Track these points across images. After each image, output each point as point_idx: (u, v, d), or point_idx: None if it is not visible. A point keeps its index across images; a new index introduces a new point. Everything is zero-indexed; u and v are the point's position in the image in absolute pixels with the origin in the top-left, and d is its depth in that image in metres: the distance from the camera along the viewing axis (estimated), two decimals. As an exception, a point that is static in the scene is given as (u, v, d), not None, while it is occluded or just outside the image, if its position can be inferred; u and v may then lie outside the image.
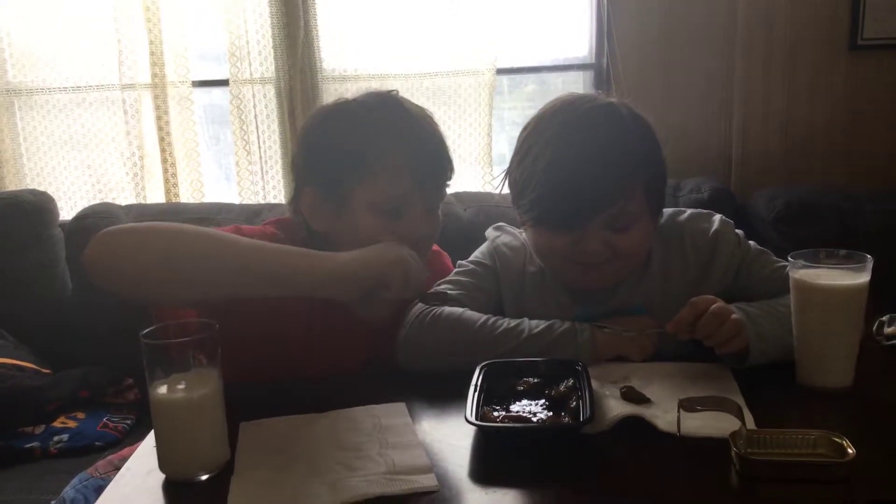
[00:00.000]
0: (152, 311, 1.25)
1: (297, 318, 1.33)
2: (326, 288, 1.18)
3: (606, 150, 1.26)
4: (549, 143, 1.28)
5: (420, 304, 1.34)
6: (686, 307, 1.19)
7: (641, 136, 1.32)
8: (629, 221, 1.29)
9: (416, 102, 1.40)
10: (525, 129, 1.36)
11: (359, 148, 1.30)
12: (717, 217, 1.41)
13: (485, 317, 1.30)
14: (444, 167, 1.37)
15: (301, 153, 1.39)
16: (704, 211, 1.44)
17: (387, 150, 1.30)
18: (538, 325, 1.28)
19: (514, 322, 1.28)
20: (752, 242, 1.41)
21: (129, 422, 2.17)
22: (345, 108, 1.37)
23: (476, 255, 1.49)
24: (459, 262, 1.49)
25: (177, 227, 1.20)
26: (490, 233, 1.52)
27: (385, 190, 1.30)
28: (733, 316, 1.18)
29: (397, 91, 1.40)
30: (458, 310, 1.32)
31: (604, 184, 1.24)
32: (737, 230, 1.40)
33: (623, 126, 1.30)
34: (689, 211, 1.44)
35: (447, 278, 1.43)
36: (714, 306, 1.17)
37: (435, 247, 1.53)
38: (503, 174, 1.41)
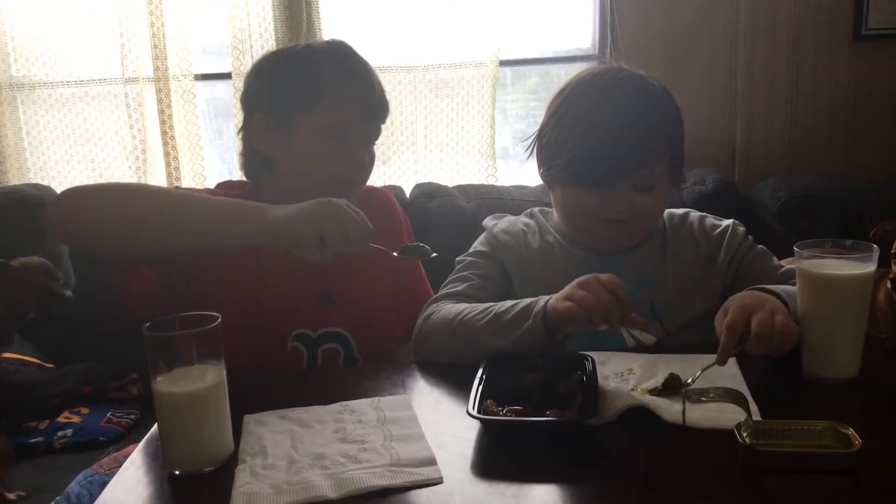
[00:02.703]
0: (114, 274, 1.34)
1: (247, 258, 1.39)
2: (263, 239, 1.24)
3: (641, 115, 1.35)
4: (586, 107, 1.38)
5: (428, 307, 1.39)
6: (725, 333, 1.12)
7: (670, 105, 1.42)
8: (653, 183, 1.38)
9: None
10: (559, 95, 1.45)
11: (308, 77, 1.42)
12: (729, 220, 1.51)
13: (469, 306, 1.33)
14: (383, 105, 1.48)
15: (252, 83, 1.50)
16: (705, 214, 1.53)
17: (334, 79, 1.42)
18: (507, 303, 1.29)
19: (486, 304, 1.31)
20: (760, 245, 1.48)
21: (132, 417, 2.17)
22: (295, 47, 1.52)
23: (475, 245, 1.53)
24: (458, 258, 1.52)
25: (129, 185, 1.46)
26: (487, 222, 1.57)
27: (331, 116, 1.41)
28: (777, 319, 1.11)
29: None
30: (451, 304, 1.37)
31: (638, 146, 1.34)
32: (748, 235, 1.49)
33: (655, 94, 1.40)
34: (694, 212, 1.54)
35: (452, 276, 1.47)
36: (754, 322, 1.11)
37: (379, 186, 1.69)
38: (533, 137, 1.48)
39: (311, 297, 1.45)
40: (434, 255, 1.32)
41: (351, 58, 1.47)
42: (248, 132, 1.47)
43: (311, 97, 1.41)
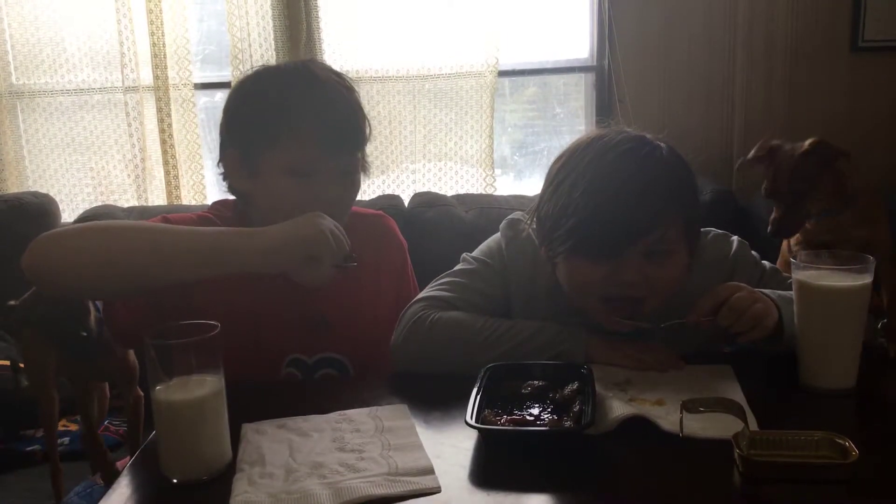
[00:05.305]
0: (103, 307, 1.34)
1: (242, 289, 1.35)
2: (257, 264, 1.23)
3: (646, 174, 1.22)
4: (585, 170, 1.24)
5: (416, 306, 1.34)
6: (706, 295, 1.21)
7: (680, 165, 1.29)
8: (667, 251, 1.24)
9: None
10: (556, 161, 1.32)
11: (267, 115, 1.35)
12: (735, 239, 1.42)
13: (481, 321, 1.30)
14: (353, 132, 1.38)
15: (224, 116, 1.43)
16: (721, 232, 1.44)
17: (292, 116, 1.33)
18: (532, 326, 1.28)
19: (508, 325, 1.29)
20: (765, 262, 1.43)
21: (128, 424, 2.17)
22: (261, 76, 1.43)
23: (484, 250, 1.44)
24: (464, 255, 1.45)
25: (109, 224, 1.35)
26: (505, 231, 1.43)
27: (292, 154, 1.33)
28: (756, 306, 1.18)
29: (315, 58, 1.42)
30: (455, 314, 1.32)
31: (645, 208, 1.20)
32: (752, 251, 1.42)
33: (661, 154, 1.26)
34: (711, 232, 1.43)
35: (444, 279, 1.41)
36: (734, 297, 1.18)
37: (379, 212, 1.61)
38: (532, 210, 1.36)
39: (307, 323, 1.41)
40: (354, 263, 1.29)
41: (313, 86, 1.36)
42: (224, 167, 1.42)
43: (269, 134, 1.34)
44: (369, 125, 1.43)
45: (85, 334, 1.66)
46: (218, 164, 1.44)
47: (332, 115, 1.35)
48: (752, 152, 1.35)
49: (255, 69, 1.46)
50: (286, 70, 1.42)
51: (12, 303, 1.57)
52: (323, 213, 1.29)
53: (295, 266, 1.25)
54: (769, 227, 1.32)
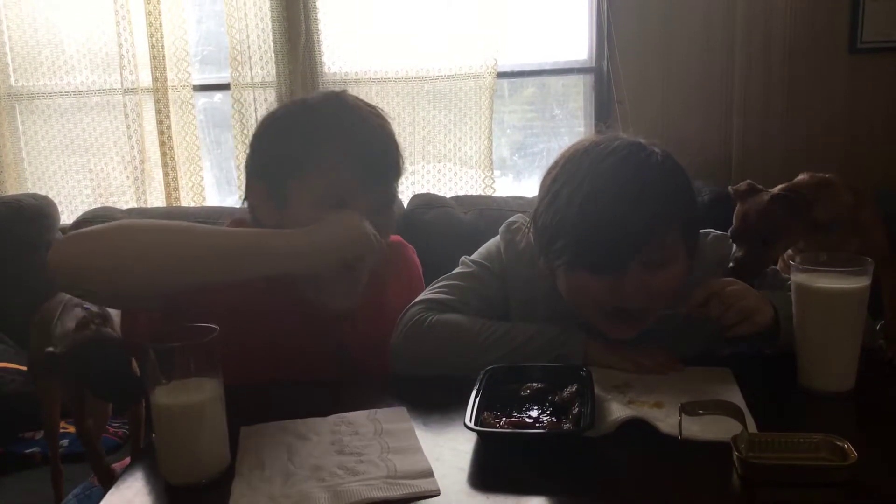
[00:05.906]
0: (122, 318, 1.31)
1: (258, 313, 1.32)
2: (293, 263, 1.22)
3: (643, 182, 1.21)
4: (581, 181, 1.22)
5: (414, 309, 1.34)
6: (700, 286, 1.21)
7: (676, 170, 1.28)
8: (667, 258, 1.23)
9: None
10: (550, 171, 1.30)
11: (295, 145, 1.30)
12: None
13: (479, 323, 1.30)
14: (387, 164, 1.34)
15: (250, 149, 1.39)
16: (721, 234, 1.42)
17: (322, 146, 1.28)
18: (531, 328, 1.28)
19: (507, 327, 1.29)
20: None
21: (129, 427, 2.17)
22: (289, 107, 1.38)
23: (483, 253, 1.44)
24: (463, 258, 1.46)
25: (139, 224, 1.31)
26: (505, 234, 1.43)
27: (322, 185, 1.28)
28: (746, 300, 1.18)
29: (346, 90, 1.39)
30: (454, 316, 1.32)
31: (642, 214, 1.18)
32: None
33: (656, 160, 1.25)
34: (711, 234, 1.43)
35: (443, 282, 1.41)
36: (726, 289, 1.19)
37: (398, 237, 1.55)
38: (529, 222, 1.34)
39: (325, 352, 1.38)
40: None
41: (344, 116, 1.32)
42: (250, 200, 1.38)
43: (298, 166, 1.29)
44: (402, 157, 1.37)
45: (125, 383, 1.53)
46: (243, 202, 1.41)
47: (369, 143, 1.31)
48: (736, 185, 1.35)
49: (284, 103, 1.42)
50: (315, 99, 1.38)
51: (51, 350, 1.46)
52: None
53: (334, 267, 1.23)
54: (731, 263, 1.31)
